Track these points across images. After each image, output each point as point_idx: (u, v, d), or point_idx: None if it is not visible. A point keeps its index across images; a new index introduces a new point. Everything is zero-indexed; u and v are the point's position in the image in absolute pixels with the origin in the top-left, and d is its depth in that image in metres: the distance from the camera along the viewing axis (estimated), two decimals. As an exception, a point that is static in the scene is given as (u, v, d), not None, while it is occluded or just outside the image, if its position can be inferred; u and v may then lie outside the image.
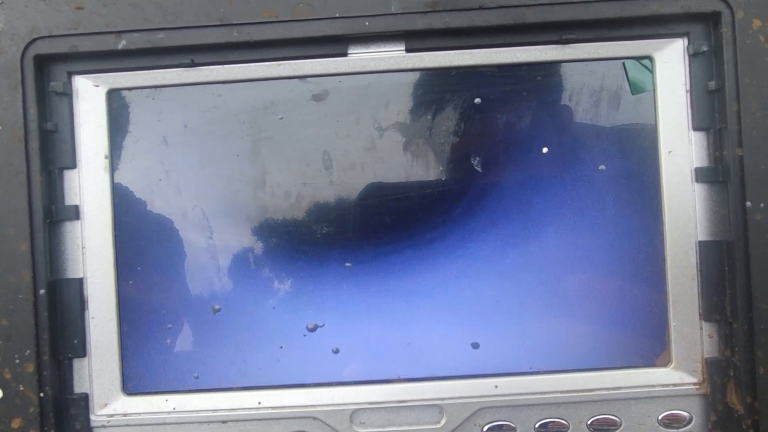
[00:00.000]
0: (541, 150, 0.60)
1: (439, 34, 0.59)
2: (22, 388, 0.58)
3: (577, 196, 0.60)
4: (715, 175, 0.59)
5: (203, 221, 0.61)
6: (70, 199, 0.61)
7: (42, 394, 0.58)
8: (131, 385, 0.61)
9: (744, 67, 0.57)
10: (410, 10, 0.58)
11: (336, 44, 0.60)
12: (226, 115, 0.61)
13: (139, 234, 0.61)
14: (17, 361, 0.58)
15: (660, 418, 0.60)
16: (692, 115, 0.59)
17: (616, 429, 0.60)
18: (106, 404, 0.60)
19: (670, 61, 0.60)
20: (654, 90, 0.60)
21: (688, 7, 0.58)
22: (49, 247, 0.59)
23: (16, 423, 0.58)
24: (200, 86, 0.61)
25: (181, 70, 0.60)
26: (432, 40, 0.60)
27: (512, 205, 0.60)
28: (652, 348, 0.60)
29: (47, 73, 0.60)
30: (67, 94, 0.60)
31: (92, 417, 0.60)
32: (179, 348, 0.61)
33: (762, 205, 0.57)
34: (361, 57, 0.60)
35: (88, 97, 0.60)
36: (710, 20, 0.59)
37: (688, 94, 0.60)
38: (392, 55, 0.60)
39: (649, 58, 0.60)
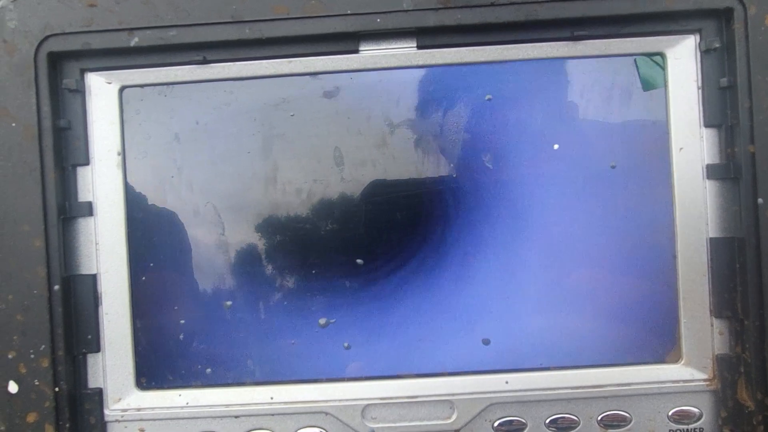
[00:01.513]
0: (552, 147, 0.60)
1: (450, 31, 0.59)
2: (37, 383, 0.58)
3: (589, 193, 0.60)
4: (726, 172, 0.59)
5: (215, 218, 0.61)
6: (84, 196, 0.61)
7: (57, 389, 0.58)
8: (144, 380, 0.61)
9: (756, 63, 0.57)
10: (422, 6, 0.58)
11: (347, 41, 0.60)
12: (238, 112, 0.61)
13: (151, 230, 0.61)
14: (32, 356, 0.58)
15: (670, 414, 0.60)
16: (704, 112, 0.59)
17: (627, 425, 0.60)
18: (119, 399, 0.61)
19: (682, 58, 0.60)
20: (665, 87, 0.60)
21: (700, 4, 0.58)
22: (63, 244, 0.60)
23: (31, 417, 0.58)
24: (212, 83, 0.61)
25: (193, 67, 0.60)
26: (443, 36, 0.60)
27: (523, 201, 0.60)
28: (663, 344, 0.60)
29: (60, 70, 0.60)
30: (80, 91, 0.60)
31: (106, 412, 0.61)
32: (192, 343, 0.61)
33: (774, 201, 0.57)
34: (372, 54, 0.60)
35: (101, 94, 0.61)
36: (722, 16, 0.59)
37: (700, 91, 0.59)
38: (403, 51, 0.60)
39: (661, 54, 0.60)
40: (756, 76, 0.57)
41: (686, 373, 0.60)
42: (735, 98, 0.58)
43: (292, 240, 0.61)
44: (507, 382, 0.60)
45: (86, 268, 0.61)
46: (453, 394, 0.60)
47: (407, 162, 0.61)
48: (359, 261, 0.61)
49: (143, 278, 0.61)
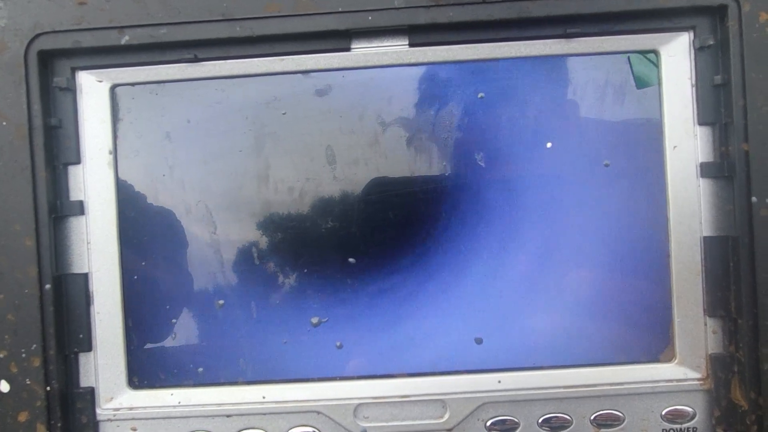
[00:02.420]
0: (545, 145, 0.60)
1: (442, 29, 0.59)
2: (28, 382, 0.58)
3: (582, 192, 0.60)
4: (720, 170, 0.59)
5: (207, 216, 0.61)
6: (75, 195, 0.61)
7: (48, 388, 0.58)
8: (136, 380, 0.61)
9: (750, 61, 0.57)
10: (413, 4, 0.58)
11: (339, 39, 0.60)
12: (229, 110, 0.61)
13: (143, 229, 0.61)
14: (24, 355, 0.58)
15: (663, 413, 0.60)
16: (698, 110, 0.59)
17: (620, 424, 0.60)
18: (111, 398, 0.61)
19: (676, 55, 0.59)
20: (659, 84, 0.59)
21: (694, 1, 0.58)
22: (55, 243, 0.60)
23: (23, 416, 0.58)
24: (203, 81, 0.61)
25: (184, 66, 0.60)
26: (435, 34, 0.59)
27: (515, 200, 0.60)
28: (656, 344, 0.60)
29: (51, 68, 0.60)
30: (71, 90, 0.60)
31: (98, 411, 0.61)
32: (184, 342, 0.61)
33: (768, 200, 0.57)
34: (364, 51, 0.60)
35: (92, 92, 0.61)
36: (716, 14, 0.58)
37: (694, 89, 0.59)
38: (395, 49, 0.60)
39: (655, 52, 0.59)
40: (750, 73, 0.57)
41: (680, 373, 0.60)
42: (729, 96, 0.57)
43: (285, 239, 0.61)
44: (499, 382, 0.60)
45: (78, 267, 0.61)
46: (445, 394, 0.60)
47: (399, 160, 0.60)
48: (351, 260, 0.60)
49: (135, 277, 0.61)
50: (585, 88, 0.60)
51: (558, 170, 0.60)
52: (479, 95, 0.60)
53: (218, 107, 0.61)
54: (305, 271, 0.61)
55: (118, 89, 0.61)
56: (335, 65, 0.60)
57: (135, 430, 0.61)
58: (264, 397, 0.61)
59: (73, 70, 0.60)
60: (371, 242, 0.60)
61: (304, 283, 0.61)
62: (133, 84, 0.61)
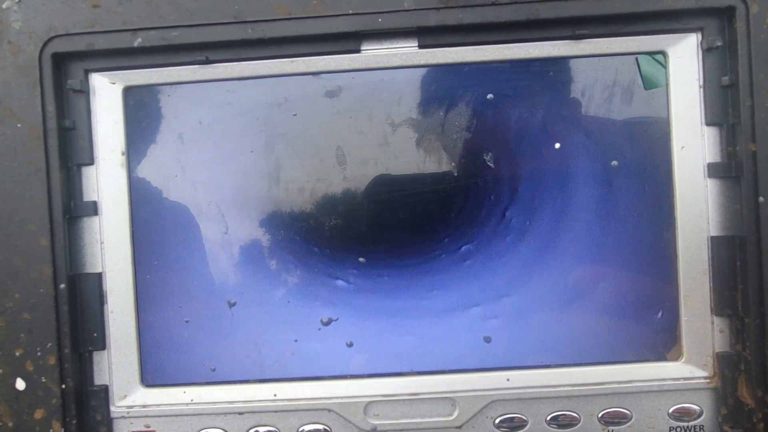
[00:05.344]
0: (554, 145, 0.60)
1: (451, 30, 0.59)
2: (44, 380, 0.59)
3: (590, 192, 0.60)
4: (727, 170, 0.59)
5: (218, 216, 0.62)
6: (89, 195, 0.62)
7: (63, 386, 0.59)
8: (149, 378, 0.62)
9: (758, 62, 0.57)
10: (423, 6, 0.58)
11: (349, 41, 0.60)
12: (241, 111, 0.61)
13: (156, 229, 0.62)
14: (39, 353, 0.59)
15: (671, 411, 0.61)
16: (705, 111, 0.59)
17: (627, 422, 0.61)
18: (125, 396, 0.62)
19: (684, 56, 0.60)
20: (667, 85, 0.60)
21: (702, 2, 0.58)
22: (69, 243, 0.61)
23: (38, 414, 0.59)
24: (215, 83, 0.61)
25: (196, 67, 0.61)
26: (445, 36, 0.60)
27: (524, 200, 0.60)
28: (664, 342, 0.61)
29: (65, 70, 0.61)
30: (85, 92, 0.61)
31: (112, 408, 0.62)
32: (196, 341, 0.62)
33: (775, 200, 0.57)
34: (374, 53, 0.61)
35: (105, 94, 0.61)
36: (724, 15, 0.59)
37: (702, 90, 0.59)
38: (405, 51, 0.60)
39: (663, 53, 0.60)
40: (758, 74, 0.57)
41: (687, 371, 0.60)
42: (736, 97, 0.58)
43: (295, 238, 0.61)
44: (508, 380, 0.61)
45: (91, 266, 0.61)
46: (455, 392, 0.61)
47: (409, 161, 0.61)
48: (361, 259, 0.61)
49: (148, 276, 0.62)
50: (593, 88, 0.60)
51: (566, 170, 0.60)
52: (488, 96, 0.60)
53: (230, 108, 0.61)
54: (316, 270, 0.61)
55: (130, 91, 0.61)
56: (345, 67, 0.61)
57: (148, 427, 0.62)
58: (275, 395, 0.61)
59: (87, 72, 0.61)
60: (381, 241, 0.61)
61: (315, 282, 0.61)
62: (145, 86, 0.61)
